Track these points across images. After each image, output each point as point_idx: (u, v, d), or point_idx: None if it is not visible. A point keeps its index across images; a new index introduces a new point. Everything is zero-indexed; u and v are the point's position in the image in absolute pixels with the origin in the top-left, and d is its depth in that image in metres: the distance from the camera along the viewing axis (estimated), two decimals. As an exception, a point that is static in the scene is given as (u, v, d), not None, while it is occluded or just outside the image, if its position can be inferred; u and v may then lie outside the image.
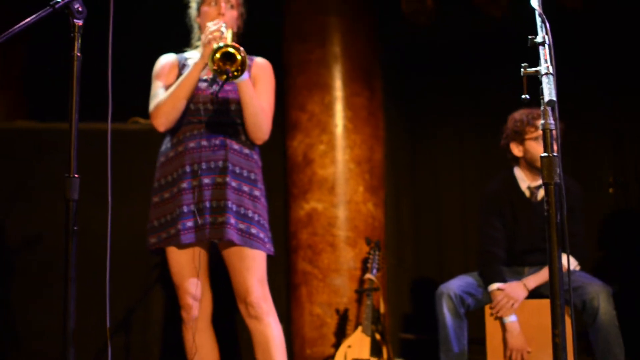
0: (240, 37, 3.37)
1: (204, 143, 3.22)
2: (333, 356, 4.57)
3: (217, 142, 3.23)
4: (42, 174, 4.50)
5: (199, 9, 3.36)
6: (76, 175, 2.36)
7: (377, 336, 4.19)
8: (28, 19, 2.29)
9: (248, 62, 3.19)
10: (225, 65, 3.01)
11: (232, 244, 3.18)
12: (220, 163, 3.20)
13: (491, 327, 3.71)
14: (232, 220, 3.14)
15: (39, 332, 4.47)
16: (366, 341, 4.14)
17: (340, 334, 4.63)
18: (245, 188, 3.22)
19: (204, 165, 3.19)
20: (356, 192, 4.77)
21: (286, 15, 5.09)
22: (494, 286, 3.73)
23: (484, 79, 5.40)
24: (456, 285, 3.77)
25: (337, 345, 4.61)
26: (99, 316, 4.20)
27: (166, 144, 3.35)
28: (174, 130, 3.32)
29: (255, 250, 3.20)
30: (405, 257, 5.43)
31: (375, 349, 4.14)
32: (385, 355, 4.17)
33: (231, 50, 3.02)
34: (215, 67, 3.00)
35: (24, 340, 4.48)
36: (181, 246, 3.24)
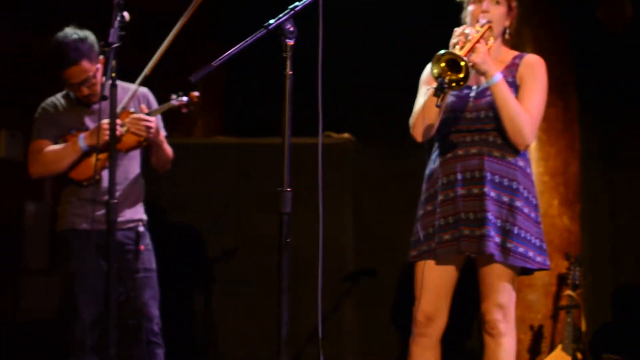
0: (512, 34, 3.21)
1: (460, 152, 3.10)
2: (527, 374, 4.47)
3: (474, 150, 3.09)
4: (240, 186, 4.69)
5: (467, 9, 3.19)
6: (288, 189, 2.43)
7: (579, 355, 4.03)
8: (244, 42, 2.38)
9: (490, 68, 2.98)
10: (448, 73, 2.86)
11: (488, 259, 3.05)
12: (476, 173, 3.06)
13: None
14: (492, 233, 3.00)
15: (237, 339, 4.66)
16: (567, 360, 4.01)
17: (534, 352, 4.50)
18: (505, 198, 3.05)
19: (459, 176, 3.07)
20: (551, 206, 4.64)
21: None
22: None
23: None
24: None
25: (530, 363, 4.50)
26: (294, 325, 4.30)
27: (431, 155, 3.26)
28: (437, 141, 3.23)
29: (506, 269, 3.06)
30: (603, 273, 5.20)
31: (576, 369, 4.00)
32: (586, 375, 4.02)
33: (457, 60, 2.86)
34: (440, 72, 2.85)
35: (222, 346, 4.68)
36: (435, 261, 3.14)
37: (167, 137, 3.85)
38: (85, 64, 3.57)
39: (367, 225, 4.88)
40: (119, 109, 3.62)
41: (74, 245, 3.70)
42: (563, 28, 4.94)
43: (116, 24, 3.09)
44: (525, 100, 3.09)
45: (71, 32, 3.60)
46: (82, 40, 3.59)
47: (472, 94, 3.15)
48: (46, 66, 3.70)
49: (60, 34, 3.61)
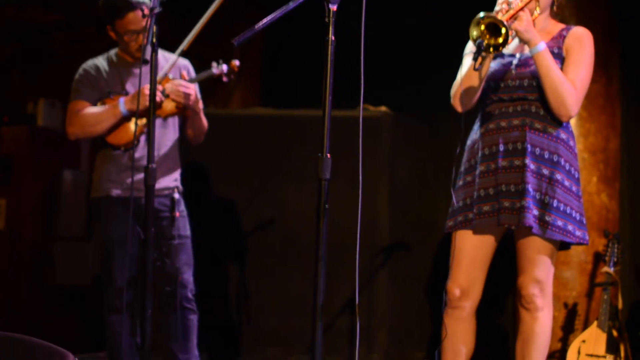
0: (561, 7, 3.19)
1: (503, 124, 3.08)
2: (560, 350, 4.42)
3: (517, 122, 3.06)
4: (277, 158, 4.69)
5: None
6: (328, 155, 2.41)
7: (614, 333, 4.00)
8: (286, 6, 2.36)
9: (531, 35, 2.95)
10: (487, 36, 2.86)
11: (527, 232, 3.03)
12: (518, 145, 3.03)
13: None
14: (531, 205, 2.97)
15: (268, 309, 4.68)
16: (602, 337, 3.97)
17: (568, 329, 4.47)
18: (545, 171, 3.02)
19: (501, 147, 3.05)
20: (590, 183, 4.58)
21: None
22: None
23: None
24: None
25: (564, 340, 4.46)
26: (328, 297, 4.32)
27: (474, 126, 3.24)
28: (479, 111, 3.21)
29: (545, 242, 3.03)
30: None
31: (612, 346, 3.95)
32: (622, 353, 3.97)
33: (498, 24, 2.85)
34: (479, 35, 2.85)
35: (254, 316, 4.71)
36: (472, 231, 3.11)
37: (203, 108, 3.85)
38: (146, 9, 3.58)
39: (403, 199, 4.85)
40: (159, 75, 3.63)
41: (108, 212, 3.72)
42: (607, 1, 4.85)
43: (157, -11, 3.08)
44: (570, 71, 3.05)
45: None
46: None
47: (515, 61, 3.11)
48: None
49: None
